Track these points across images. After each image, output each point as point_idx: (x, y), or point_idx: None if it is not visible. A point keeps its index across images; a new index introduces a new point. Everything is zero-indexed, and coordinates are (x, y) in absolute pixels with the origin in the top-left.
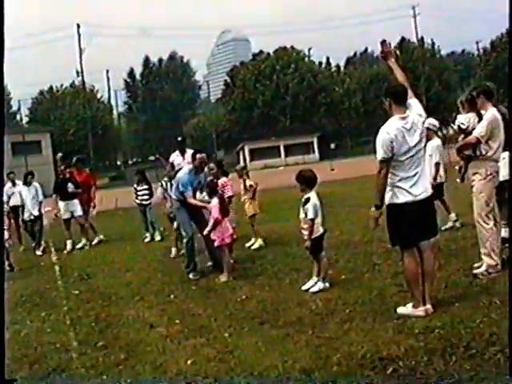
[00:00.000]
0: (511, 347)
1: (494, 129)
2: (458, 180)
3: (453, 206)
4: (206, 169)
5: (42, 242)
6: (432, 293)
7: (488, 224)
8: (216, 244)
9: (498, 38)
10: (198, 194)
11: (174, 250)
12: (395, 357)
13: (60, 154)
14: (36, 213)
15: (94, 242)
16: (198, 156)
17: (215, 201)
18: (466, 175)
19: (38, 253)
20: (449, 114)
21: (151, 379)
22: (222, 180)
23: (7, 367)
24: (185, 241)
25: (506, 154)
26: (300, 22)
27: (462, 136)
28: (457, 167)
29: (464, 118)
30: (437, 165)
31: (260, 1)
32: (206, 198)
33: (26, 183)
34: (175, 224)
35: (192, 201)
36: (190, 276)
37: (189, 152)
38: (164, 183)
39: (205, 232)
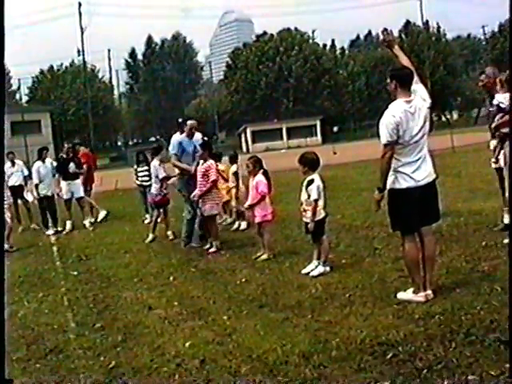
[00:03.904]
0: (511, 348)
1: None
2: (494, 159)
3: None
4: (198, 135)
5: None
6: (433, 278)
7: None
8: (257, 220)
9: (506, 22)
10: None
11: (151, 235)
12: (394, 342)
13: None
14: (53, 190)
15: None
16: (188, 122)
17: (261, 176)
18: (499, 157)
19: (50, 232)
20: (453, 98)
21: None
22: (207, 163)
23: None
24: (189, 217)
25: (506, 144)
26: (304, 3)
27: (501, 115)
28: (491, 147)
29: (503, 97)
30: None
31: None
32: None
33: (42, 159)
34: (155, 212)
35: (176, 162)
36: (193, 244)
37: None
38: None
39: (246, 205)
